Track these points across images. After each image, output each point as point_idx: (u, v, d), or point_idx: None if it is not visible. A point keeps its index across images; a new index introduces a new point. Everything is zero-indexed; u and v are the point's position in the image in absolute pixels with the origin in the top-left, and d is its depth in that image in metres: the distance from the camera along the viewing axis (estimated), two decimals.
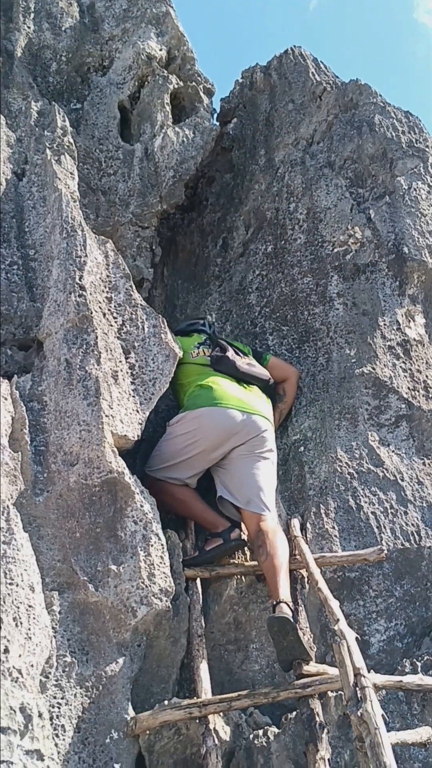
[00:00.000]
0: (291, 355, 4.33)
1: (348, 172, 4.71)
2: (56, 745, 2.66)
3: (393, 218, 4.47)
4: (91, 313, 3.49)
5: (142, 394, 3.54)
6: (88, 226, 3.88)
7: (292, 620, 3.04)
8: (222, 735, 3.03)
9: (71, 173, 4.07)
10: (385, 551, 3.50)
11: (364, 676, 2.66)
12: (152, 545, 3.16)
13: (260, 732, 3.10)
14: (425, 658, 3.31)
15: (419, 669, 3.24)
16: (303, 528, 3.68)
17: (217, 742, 2.92)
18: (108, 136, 4.75)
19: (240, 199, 5.05)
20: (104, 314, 3.61)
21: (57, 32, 5.00)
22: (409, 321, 4.29)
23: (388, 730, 2.53)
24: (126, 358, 3.59)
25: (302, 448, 3.97)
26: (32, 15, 4.95)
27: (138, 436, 3.42)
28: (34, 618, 2.63)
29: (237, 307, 4.64)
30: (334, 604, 3.09)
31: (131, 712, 2.93)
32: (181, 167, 4.73)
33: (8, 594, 2.58)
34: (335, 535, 3.64)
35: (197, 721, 2.96)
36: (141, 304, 3.78)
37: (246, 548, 3.58)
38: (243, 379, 3.88)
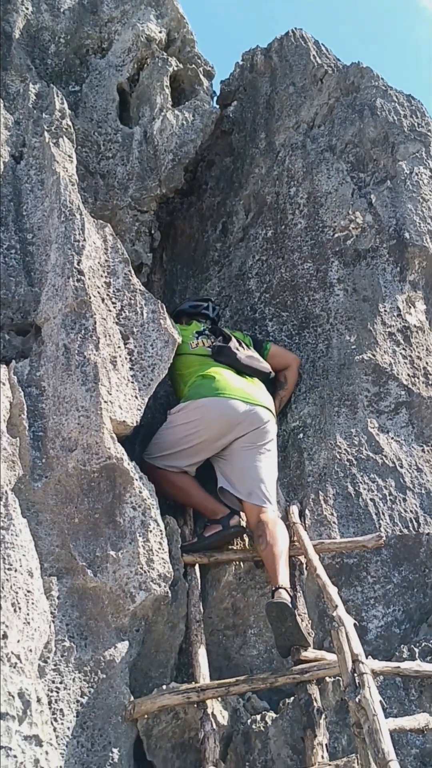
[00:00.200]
0: (291, 342, 4.31)
1: (349, 156, 4.67)
2: (55, 729, 2.66)
3: (394, 203, 4.44)
4: (90, 298, 3.47)
5: (140, 380, 3.52)
6: (86, 210, 3.85)
7: (290, 606, 3.05)
8: (220, 720, 3.05)
9: (69, 156, 4.04)
10: (384, 538, 3.50)
11: (362, 662, 2.67)
12: (151, 531, 3.16)
13: (258, 717, 3.11)
14: (423, 644, 3.31)
15: (417, 655, 3.24)
16: (302, 514, 3.68)
17: (215, 726, 2.93)
18: (107, 119, 4.70)
19: (240, 183, 5.01)
20: (103, 299, 3.59)
21: (55, 14, 4.94)
22: (410, 307, 4.27)
23: (386, 717, 2.54)
24: (125, 344, 3.57)
25: (301, 435, 3.96)
26: None
27: (137, 422, 3.41)
28: (32, 603, 2.63)
29: (236, 293, 4.62)
30: (333, 590, 3.09)
31: (130, 697, 2.94)
32: (180, 151, 4.69)
33: (7, 579, 2.58)
34: (334, 522, 3.63)
35: (195, 705, 2.98)
36: (140, 290, 3.75)
37: (245, 535, 3.58)
38: (244, 371, 3.86)
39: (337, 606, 2.96)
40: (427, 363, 4.14)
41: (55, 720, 2.72)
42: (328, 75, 5.01)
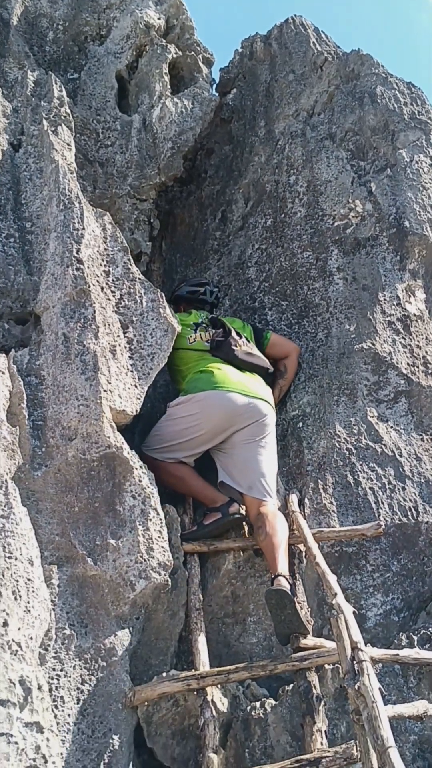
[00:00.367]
0: (290, 331, 4.30)
1: (349, 144, 4.65)
2: (55, 717, 2.68)
3: (394, 191, 4.42)
4: (89, 287, 3.46)
5: (140, 369, 3.52)
6: (85, 199, 3.83)
7: (290, 593, 3.06)
8: (219, 706, 3.06)
9: (68, 144, 4.01)
10: (383, 526, 3.51)
11: (362, 650, 2.68)
12: (151, 520, 3.16)
13: (257, 704, 3.13)
14: (421, 632, 3.33)
15: (415, 643, 3.26)
16: (301, 503, 3.68)
17: (214, 713, 2.95)
18: (105, 106, 4.68)
19: (239, 172, 4.99)
20: (102, 288, 3.58)
21: (53, 0, 4.91)
22: (410, 296, 4.26)
23: (385, 704, 2.55)
24: (124, 333, 3.56)
25: (301, 424, 3.96)
26: None
27: (136, 411, 3.41)
28: (33, 591, 2.64)
29: (236, 282, 4.61)
30: (332, 578, 3.10)
31: (130, 684, 2.96)
32: (179, 138, 4.66)
33: (7, 568, 2.59)
34: (333, 511, 3.64)
35: (195, 692, 3.00)
36: (139, 278, 3.74)
37: (244, 523, 3.59)
38: (243, 367, 3.84)
39: (336, 594, 2.97)
40: (426, 352, 4.13)
41: (56, 707, 2.74)
42: (328, 62, 4.98)
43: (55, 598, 2.92)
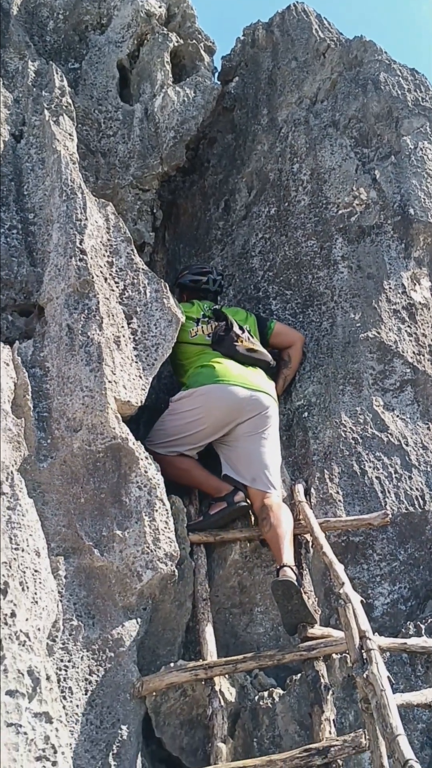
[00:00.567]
0: (295, 320, 4.28)
1: (353, 132, 4.61)
2: (64, 707, 2.68)
3: (399, 179, 4.39)
4: (93, 277, 3.45)
5: (144, 360, 3.51)
6: (87, 189, 3.81)
7: (296, 584, 3.06)
8: (228, 696, 3.07)
9: (70, 134, 3.99)
10: (390, 515, 3.50)
11: (370, 639, 2.68)
12: (157, 510, 3.16)
13: (265, 693, 3.13)
14: (429, 620, 3.32)
15: (423, 631, 3.26)
16: (307, 493, 3.68)
17: (222, 703, 2.96)
18: (107, 96, 4.65)
19: (242, 161, 4.96)
20: (106, 279, 3.56)
21: None
22: (415, 284, 4.23)
23: (393, 692, 2.55)
24: (128, 324, 3.55)
25: (306, 414, 3.95)
26: None
27: (141, 401, 3.40)
28: (40, 582, 2.64)
29: (240, 272, 4.59)
30: (339, 567, 3.09)
31: (138, 674, 2.96)
32: (181, 128, 4.63)
33: (14, 559, 2.59)
34: (339, 500, 3.63)
35: (203, 682, 3.00)
36: (143, 269, 3.73)
37: (250, 512, 3.58)
38: (244, 361, 3.82)
39: (343, 583, 2.96)
40: None
41: (64, 698, 2.74)
42: (330, 49, 4.95)
43: (62, 589, 2.92)
